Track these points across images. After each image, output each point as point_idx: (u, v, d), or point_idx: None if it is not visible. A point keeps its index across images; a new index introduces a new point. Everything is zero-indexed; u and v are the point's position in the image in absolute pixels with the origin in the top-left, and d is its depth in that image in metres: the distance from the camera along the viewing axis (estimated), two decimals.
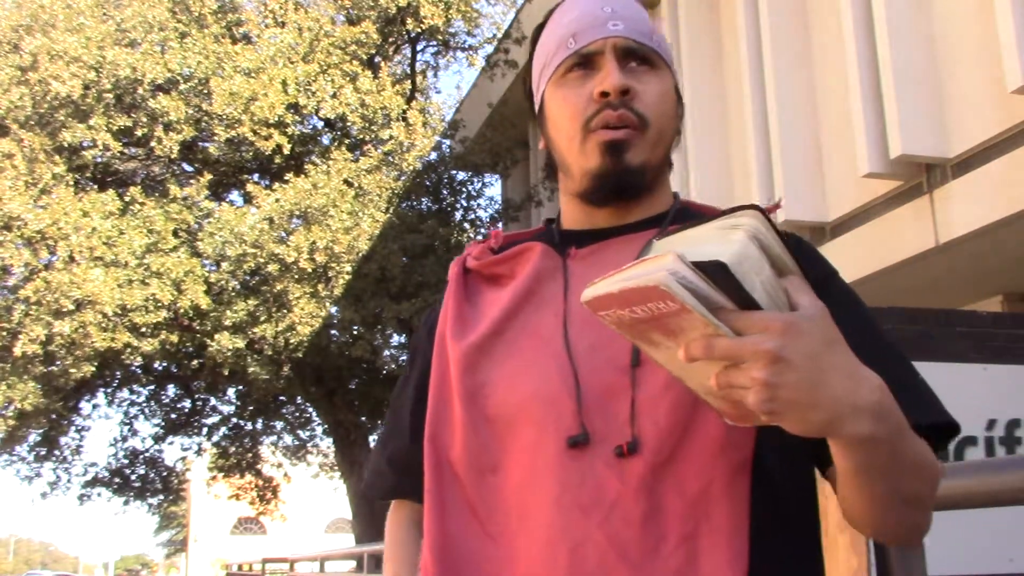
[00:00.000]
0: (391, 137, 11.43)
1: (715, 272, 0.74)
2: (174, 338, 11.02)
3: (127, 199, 11.02)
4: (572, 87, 1.06)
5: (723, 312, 0.75)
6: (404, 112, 11.68)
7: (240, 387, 13.53)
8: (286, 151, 11.18)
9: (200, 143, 12.01)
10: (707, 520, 0.90)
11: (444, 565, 0.98)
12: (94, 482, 14.56)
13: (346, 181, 10.93)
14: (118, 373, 13.32)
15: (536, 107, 1.13)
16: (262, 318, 10.64)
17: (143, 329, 10.48)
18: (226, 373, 11.48)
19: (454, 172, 12.77)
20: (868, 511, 0.90)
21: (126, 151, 12.12)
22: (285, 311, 10.62)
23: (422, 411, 1.08)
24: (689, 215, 1.09)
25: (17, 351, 10.09)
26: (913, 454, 0.87)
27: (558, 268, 1.06)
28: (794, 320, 0.75)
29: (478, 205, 13.09)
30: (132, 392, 14.73)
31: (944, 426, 0.96)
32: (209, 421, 15.04)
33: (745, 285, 0.75)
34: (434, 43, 13.21)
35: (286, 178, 11.11)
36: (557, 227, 1.13)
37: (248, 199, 11.85)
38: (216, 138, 11.15)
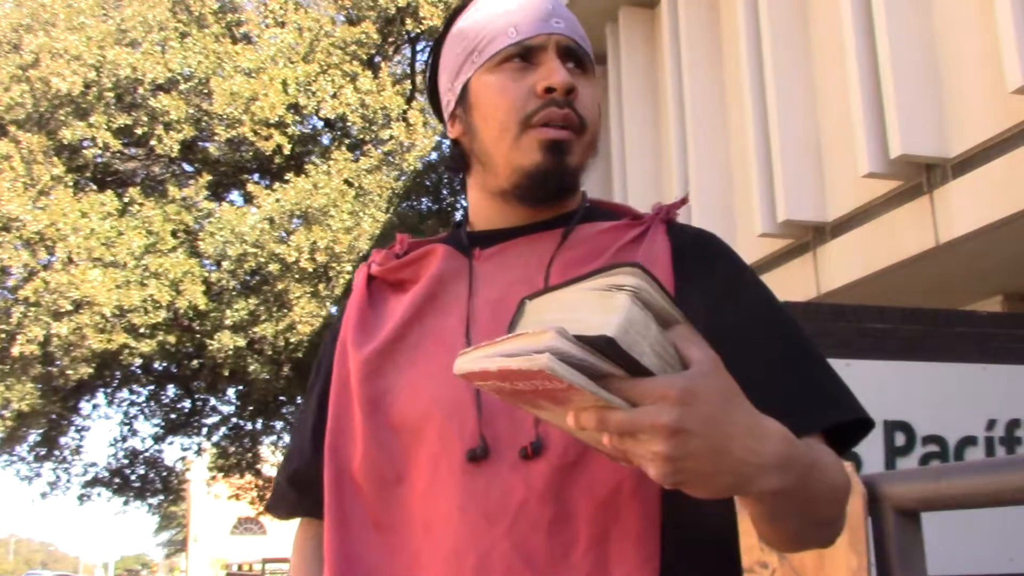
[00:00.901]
0: (391, 137, 11.43)
1: (601, 345, 0.70)
2: (172, 339, 11.02)
3: (126, 200, 11.02)
4: (510, 78, 1.01)
5: (613, 381, 0.71)
6: (404, 112, 11.68)
7: (240, 387, 13.53)
8: (286, 151, 11.19)
9: (200, 143, 12.02)
10: (616, 523, 0.88)
11: None
12: (94, 482, 14.56)
13: (346, 181, 10.93)
14: (118, 373, 13.32)
15: (454, 93, 1.07)
16: (262, 318, 10.64)
17: (141, 330, 10.48)
18: (226, 373, 11.48)
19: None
20: (780, 540, 0.89)
21: (126, 151, 12.12)
22: (285, 311, 10.62)
23: (323, 425, 1.03)
24: (597, 215, 1.06)
25: (15, 351, 10.09)
26: (823, 486, 0.85)
27: (463, 270, 1.03)
28: (689, 385, 0.72)
29: None
30: (132, 392, 14.72)
31: (853, 423, 0.94)
32: (209, 421, 15.05)
33: (633, 353, 0.71)
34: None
35: (286, 178, 11.11)
36: (464, 229, 1.10)
37: (248, 199, 11.85)
38: (216, 138, 11.15)
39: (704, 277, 0.98)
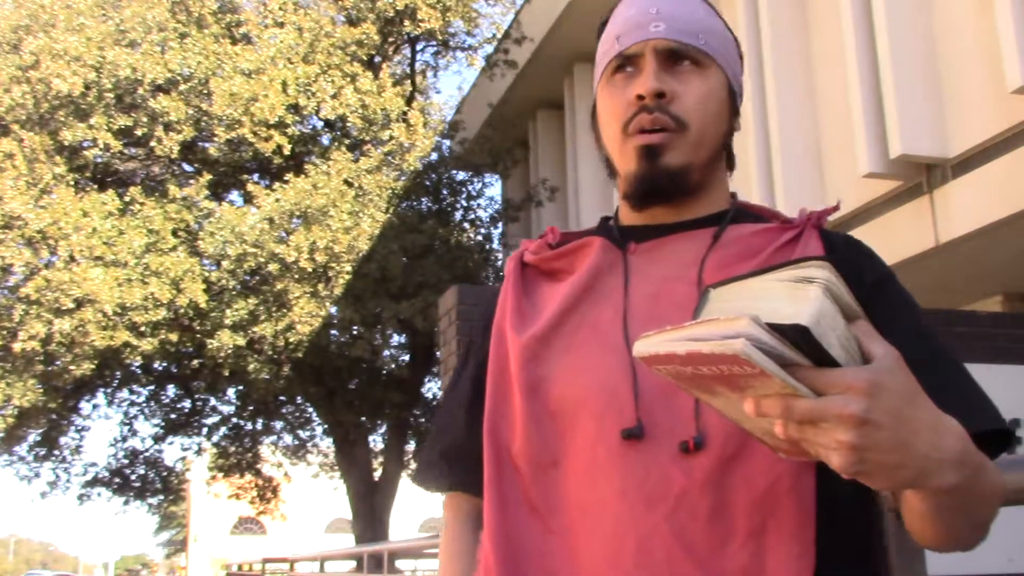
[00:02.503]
0: (391, 137, 11.43)
1: (793, 334, 0.71)
2: (173, 337, 11.02)
3: (127, 199, 11.03)
4: (616, 89, 1.07)
5: (800, 370, 0.72)
6: (404, 112, 11.68)
7: (240, 387, 13.52)
8: (286, 152, 11.19)
9: (200, 143, 12.02)
10: (774, 516, 0.90)
11: (505, 559, 0.98)
12: (94, 482, 14.56)
13: (346, 181, 10.93)
14: (118, 373, 13.32)
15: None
16: (262, 317, 10.64)
17: (142, 328, 10.48)
18: (226, 373, 11.48)
19: (454, 172, 12.77)
20: (935, 537, 0.89)
21: (126, 151, 12.12)
22: (285, 310, 10.62)
23: (478, 405, 1.08)
24: (745, 216, 1.09)
25: (17, 348, 10.10)
26: (987, 487, 0.86)
27: (618, 262, 1.07)
28: (877, 379, 0.73)
29: (478, 205, 13.10)
30: (132, 392, 14.72)
31: (999, 432, 0.95)
32: (209, 421, 15.04)
33: (823, 343, 0.72)
34: (434, 43, 13.21)
35: (286, 178, 11.11)
36: (615, 223, 1.13)
37: (248, 199, 11.85)
38: (216, 139, 11.15)
39: (852, 281, 0.98)
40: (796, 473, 0.91)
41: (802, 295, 0.73)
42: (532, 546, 0.98)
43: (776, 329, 0.71)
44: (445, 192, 12.67)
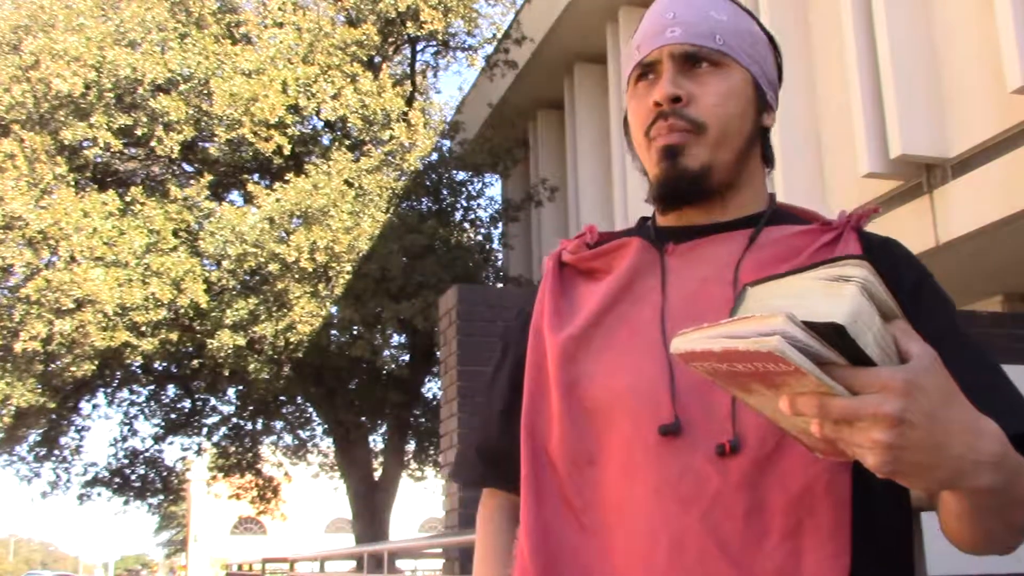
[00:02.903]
0: (392, 137, 11.43)
1: (829, 332, 0.71)
2: (174, 337, 11.02)
3: (128, 199, 11.03)
4: (640, 97, 1.09)
5: (836, 369, 0.72)
6: (405, 113, 11.68)
7: (240, 387, 13.53)
8: (286, 152, 11.19)
9: (200, 143, 12.02)
10: (810, 517, 0.90)
11: (541, 556, 0.99)
12: (94, 482, 14.56)
13: (346, 181, 10.93)
14: (118, 373, 13.32)
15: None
16: (262, 317, 10.64)
17: (143, 328, 10.48)
18: (226, 373, 11.48)
19: (454, 172, 12.77)
20: (972, 540, 0.89)
21: (126, 151, 12.12)
22: (285, 310, 10.62)
23: (515, 402, 1.09)
24: (783, 218, 1.09)
25: (18, 348, 10.10)
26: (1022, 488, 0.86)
27: (655, 263, 1.07)
28: (912, 377, 0.73)
29: (478, 205, 13.10)
30: (132, 392, 14.73)
31: None
32: (209, 421, 15.04)
33: (860, 342, 0.72)
34: (434, 44, 13.21)
35: (286, 178, 11.11)
36: (652, 224, 1.14)
37: (248, 199, 11.85)
38: (217, 138, 11.15)
39: (890, 282, 0.98)
40: (832, 473, 0.91)
41: (838, 293, 0.73)
42: (567, 543, 0.99)
43: (812, 327, 0.71)
44: (445, 192, 12.67)
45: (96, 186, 11.78)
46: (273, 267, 10.44)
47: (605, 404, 1.00)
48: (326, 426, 14.16)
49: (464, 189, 12.86)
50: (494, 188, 20.97)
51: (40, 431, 13.74)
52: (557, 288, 1.12)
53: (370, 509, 13.07)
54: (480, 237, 12.82)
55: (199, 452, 15.06)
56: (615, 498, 0.96)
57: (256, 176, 12.64)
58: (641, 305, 1.04)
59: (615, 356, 1.02)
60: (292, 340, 10.70)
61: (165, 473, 15.29)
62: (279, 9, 11.62)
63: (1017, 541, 0.92)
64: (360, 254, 10.69)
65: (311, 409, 14.73)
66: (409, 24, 11.92)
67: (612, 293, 1.06)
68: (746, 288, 0.80)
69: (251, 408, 14.28)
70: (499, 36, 12.94)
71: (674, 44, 1.07)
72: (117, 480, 14.77)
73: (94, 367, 11.00)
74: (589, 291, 1.10)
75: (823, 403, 0.72)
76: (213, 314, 10.79)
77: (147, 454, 15.05)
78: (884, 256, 1.03)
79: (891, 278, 0.97)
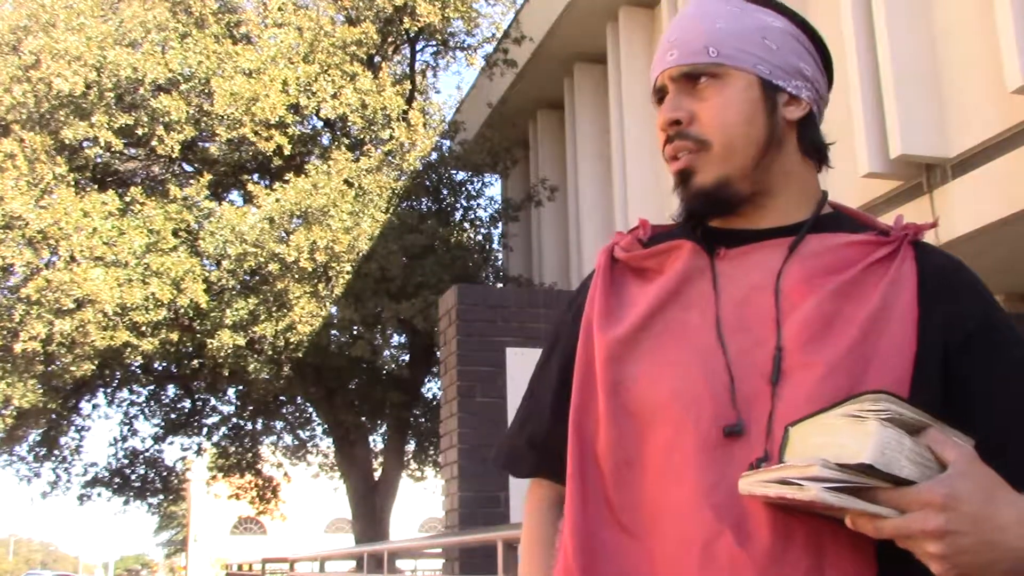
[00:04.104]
0: (391, 137, 11.43)
1: (865, 469, 0.79)
2: (174, 337, 11.02)
3: (127, 199, 11.03)
4: (658, 122, 1.13)
5: (880, 493, 0.81)
6: (404, 112, 11.68)
7: (240, 387, 13.52)
8: (287, 151, 11.19)
9: (200, 143, 12.02)
10: (831, 525, 0.91)
11: (583, 554, 1.00)
12: (94, 482, 14.55)
13: (346, 181, 10.93)
14: (118, 373, 13.32)
15: None
16: (262, 317, 10.64)
17: (143, 328, 10.48)
18: (226, 373, 11.48)
19: (454, 172, 12.77)
20: None
21: (127, 151, 12.12)
22: (285, 310, 10.62)
23: (565, 394, 1.10)
24: (838, 221, 1.08)
25: (17, 349, 10.09)
26: None
27: (706, 268, 1.07)
28: (950, 491, 0.79)
29: (478, 205, 13.10)
30: (132, 392, 14.72)
31: None
32: (209, 421, 15.04)
33: (892, 470, 0.80)
34: (433, 43, 13.21)
35: (286, 178, 11.11)
36: (703, 225, 1.13)
37: (248, 199, 11.85)
38: (217, 138, 11.15)
39: (948, 307, 0.99)
40: None
41: (864, 431, 0.81)
42: (609, 544, 1.00)
43: (846, 468, 0.80)
44: (445, 192, 12.67)
45: (96, 186, 11.78)
46: (273, 267, 10.44)
47: (647, 408, 1.01)
48: (326, 426, 14.15)
49: (464, 189, 12.86)
50: (494, 188, 20.97)
51: (40, 431, 13.74)
52: (608, 285, 1.12)
53: (370, 509, 13.07)
54: (480, 237, 12.82)
55: (199, 452, 15.05)
56: (653, 502, 0.98)
57: (256, 176, 12.64)
58: (691, 311, 1.04)
59: (660, 361, 1.02)
60: (292, 340, 10.70)
61: (165, 473, 15.28)
62: (279, 9, 11.62)
63: None
64: (360, 254, 10.69)
65: (311, 409, 14.73)
66: (406, 20, 11.91)
67: (661, 297, 1.06)
68: (788, 429, 0.87)
69: (251, 408, 14.28)
70: (499, 35, 12.94)
71: (671, 68, 1.08)
72: (117, 480, 14.76)
73: (94, 367, 10.99)
74: (640, 291, 1.10)
75: (876, 525, 0.81)
76: (213, 314, 10.79)
77: (147, 454, 15.05)
78: (943, 278, 1.01)
79: (950, 301, 0.99)
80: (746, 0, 1.11)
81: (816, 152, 1.11)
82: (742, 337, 0.99)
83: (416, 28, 12.06)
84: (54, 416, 13.22)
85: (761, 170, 1.07)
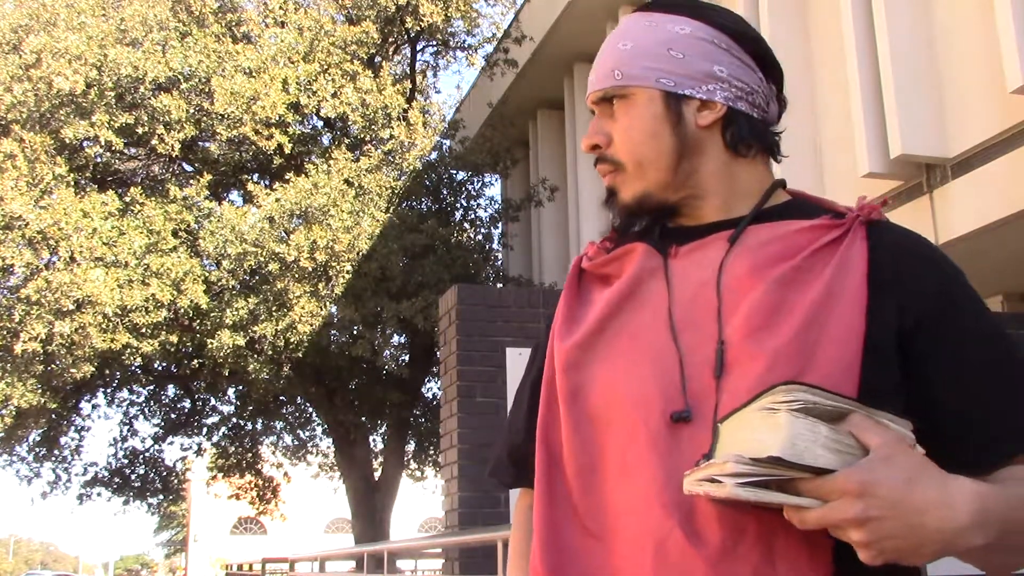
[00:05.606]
0: (392, 137, 11.43)
1: (776, 461, 0.79)
2: (174, 338, 11.02)
3: (127, 199, 11.03)
4: None
5: (802, 483, 0.81)
6: (405, 112, 11.67)
7: (240, 387, 13.52)
8: (287, 150, 11.19)
9: (201, 142, 12.01)
10: (784, 520, 0.90)
11: (549, 559, 1.01)
12: (94, 482, 14.55)
13: (346, 181, 10.93)
14: (118, 373, 13.31)
15: None
16: (262, 317, 10.64)
17: (143, 329, 10.48)
18: (226, 373, 11.48)
19: (454, 172, 12.77)
20: (995, 572, 0.92)
21: (127, 151, 12.12)
22: (285, 310, 10.62)
23: (535, 407, 1.12)
24: (796, 210, 1.08)
25: (18, 349, 10.09)
26: None
27: (659, 268, 1.08)
28: (867, 477, 0.79)
29: (478, 205, 13.09)
30: (132, 392, 14.72)
31: None
32: (209, 421, 15.04)
33: (805, 461, 0.79)
34: (434, 43, 13.21)
35: (286, 178, 11.11)
36: (660, 225, 1.14)
37: (248, 199, 11.85)
38: (218, 137, 11.15)
39: (904, 290, 0.98)
40: None
41: (774, 423, 0.81)
42: (574, 548, 1.01)
43: (759, 462, 0.80)
44: (445, 192, 12.67)
45: (96, 186, 11.77)
46: (273, 267, 10.44)
47: (604, 412, 1.01)
48: (326, 426, 14.15)
49: (464, 189, 12.86)
50: (494, 188, 20.98)
51: (40, 431, 13.73)
52: (573, 294, 1.14)
53: (370, 509, 13.06)
54: (480, 237, 12.82)
55: (199, 452, 15.05)
56: (612, 504, 0.98)
57: (256, 176, 12.63)
58: (644, 311, 1.05)
59: (615, 364, 1.03)
60: (292, 340, 10.69)
61: (165, 473, 15.28)
62: (280, 8, 11.62)
63: None
64: (360, 253, 10.69)
65: (311, 409, 14.72)
66: (408, 20, 11.91)
67: (615, 300, 1.07)
68: (717, 426, 0.88)
69: (251, 408, 14.27)
70: (499, 35, 12.94)
71: (591, 94, 1.13)
72: (117, 480, 14.76)
73: (94, 368, 10.99)
74: (600, 297, 1.11)
75: (800, 516, 0.81)
76: (213, 314, 10.79)
77: (147, 454, 15.05)
78: (897, 257, 1.00)
79: (905, 281, 0.98)
80: (663, 11, 1.11)
81: (749, 147, 1.10)
82: (692, 334, 0.99)
83: (418, 28, 12.06)
84: (54, 416, 13.21)
85: (683, 176, 1.08)
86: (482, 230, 12.90)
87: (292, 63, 11.13)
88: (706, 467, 0.83)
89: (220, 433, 14.93)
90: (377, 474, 13.62)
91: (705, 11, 1.11)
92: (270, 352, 10.89)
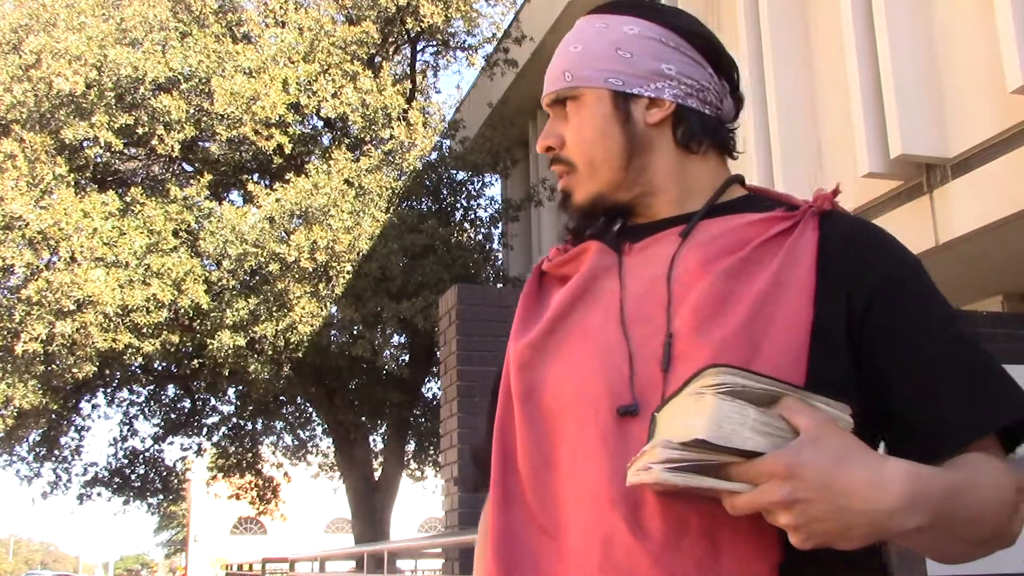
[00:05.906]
0: (392, 137, 11.43)
1: (702, 444, 0.78)
2: (175, 338, 11.02)
3: (128, 200, 11.03)
4: None
5: (732, 467, 0.80)
6: (405, 112, 11.68)
7: (240, 387, 13.52)
8: (287, 150, 11.19)
9: (201, 143, 12.01)
10: (725, 511, 0.90)
11: (503, 557, 1.01)
12: (94, 482, 14.55)
13: (347, 181, 10.93)
14: (118, 373, 13.32)
15: None
16: (262, 317, 10.64)
17: (144, 329, 10.48)
18: (226, 373, 11.48)
19: (454, 172, 12.77)
20: (940, 560, 0.91)
21: (127, 151, 12.12)
22: (285, 310, 10.62)
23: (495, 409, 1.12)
24: (752, 204, 1.08)
25: (18, 349, 10.09)
26: (971, 509, 0.86)
27: (613, 265, 1.08)
28: (794, 459, 0.78)
29: (478, 205, 13.10)
30: (132, 392, 14.72)
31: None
32: (209, 421, 15.04)
33: (733, 444, 0.78)
34: (434, 43, 13.21)
35: (287, 178, 11.11)
36: (616, 224, 1.16)
37: (248, 199, 11.85)
38: (218, 137, 11.15)
39: (853, 276, 0.98)
40: None
41: (701, 407, 0.80)
42: (528, 546, 1.00)
43: (687, 446, 0.79)
44: (445, 192, 12.67)
45: (96, 186, 11.77)
46: (273, 267, 10.44)
47: (556, 411, 1.01)
48: (326, 426, 14.15)
49: (464, 189, 12.86)
50: (494, 188, 20.98)
51: (40, 431, 13.73)
52: (531, 296, 1.16)
53: (370, 509, 13.07)
54: (480, 237, 12.82)
55: (199, 452, 15.05)
56: (564, 501, 0.98)
57: (256, 176, 12.63)
58: (597, 309, 1.05)
59: (566, 362, 1.03)
60: (292, 340, 10.69)
61: (165, 473, 15.28)
62: (280, 8, 11.62)
63: (986, 551, 0.92)
64: (360, 254, 10.69)
65: (311, 409, 14.72)
66: (409, 20, 11.91)
67: (568, 299, 1.08)
68: (654, 415, 0.86)
69: (251, 408, 14.27)
70: (499, 35, 12.94)
71: (546, 97, 1.14)
72: (117, 480, 14.76)
73: (95, 368, 10.99)
74: (556, 297, 1.12)
75: (731, 502, 0.81)
76: (213, 314, 10.79)
77: (147, 454, 15.05)
78: (847, 246, 0.99)
79: (854, 270, 0.98)
80: (613, 13, 1.13)
81: (700, 143, 1.10)
82: (643, 328, 0.99)
83: (418, 28, 12.06)
84: (54, 416, 13.21)
85: (635, 174, 1.09)
86: (482, 230, 12.90)
87: (292, 63, 11.13)
88: (640, 456, 0.83)
89: (220, 433, 14.93)
90: (377, 474, 13.63)
91: (655, 11, 1.13)
92: (270, 352, 10.89)
